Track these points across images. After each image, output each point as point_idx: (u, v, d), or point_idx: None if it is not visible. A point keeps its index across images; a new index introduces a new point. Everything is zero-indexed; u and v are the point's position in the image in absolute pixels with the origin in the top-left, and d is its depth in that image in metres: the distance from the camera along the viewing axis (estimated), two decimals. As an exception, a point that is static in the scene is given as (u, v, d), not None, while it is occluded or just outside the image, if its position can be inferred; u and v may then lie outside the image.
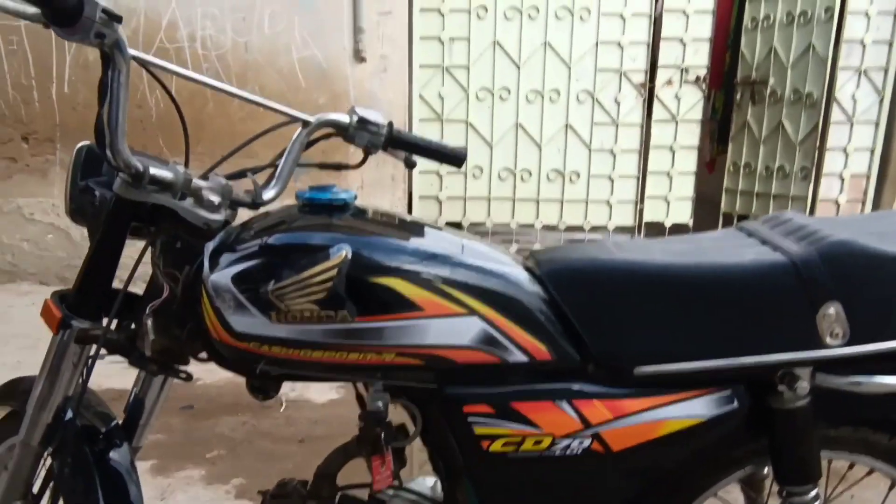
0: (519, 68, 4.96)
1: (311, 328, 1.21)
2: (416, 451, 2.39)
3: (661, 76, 5.01)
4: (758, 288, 1.25)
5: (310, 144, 1.41)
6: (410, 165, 1.58)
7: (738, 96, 5.25)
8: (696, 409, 1.29)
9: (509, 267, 1.32)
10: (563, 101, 5.00)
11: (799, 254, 1.25)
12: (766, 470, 1.55)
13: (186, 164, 1.33)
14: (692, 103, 5.03)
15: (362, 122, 1.37)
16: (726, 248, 1.36)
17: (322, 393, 3.39)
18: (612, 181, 5.10)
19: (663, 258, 1.31)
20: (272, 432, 3.03)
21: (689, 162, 5.12)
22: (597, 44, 4.93)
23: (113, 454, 1.45)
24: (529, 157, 5.06)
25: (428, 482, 1.59)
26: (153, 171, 1.24)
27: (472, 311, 1.24)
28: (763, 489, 1.58)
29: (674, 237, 1.54)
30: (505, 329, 1.25)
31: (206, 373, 3.57)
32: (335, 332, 1.21)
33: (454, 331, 1.24)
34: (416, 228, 1.35)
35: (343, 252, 1.21)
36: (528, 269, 1.35)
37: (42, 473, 1.51)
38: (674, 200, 5.17)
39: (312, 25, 4.69)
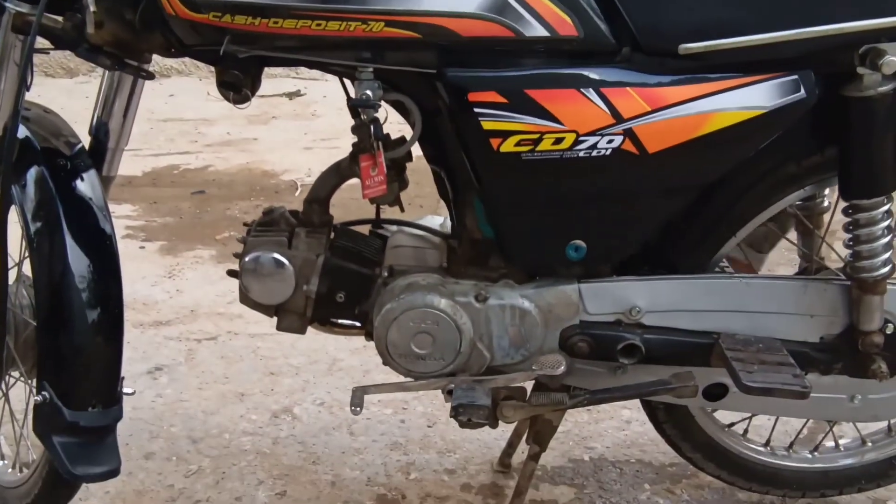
0: None
1: (280, -14, 0.99)
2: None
3: None
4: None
5: None
6: None
7: None
8: (753, 97, 1.06)
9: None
10: None
11: None
12: (825, 202, 1.35)
13: None
14: None
15: None
16: None
17: (339, 180, 3.24)
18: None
19: None
20: (287, 214, 2.90)
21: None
22: None
23: (79, 183, 1.27)
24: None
25: (437, 220, 1.41)
26: None
27: (479, -33, 1.00)
28: (822, 224, 1.37)
29: None
30: (521, -8, 1.01)
31: (220, 160, 3.46)
32: (309, -10, 0.99)
33: (458, -9, 1.00)
34: None
35: None
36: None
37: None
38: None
39: None
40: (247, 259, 1.27)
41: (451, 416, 1.21)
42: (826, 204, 1.34)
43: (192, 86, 4.25)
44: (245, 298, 1.30)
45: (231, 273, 1.32)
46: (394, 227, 1.38)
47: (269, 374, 2.01)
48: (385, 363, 1.28)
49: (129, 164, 3.22)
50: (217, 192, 3.10)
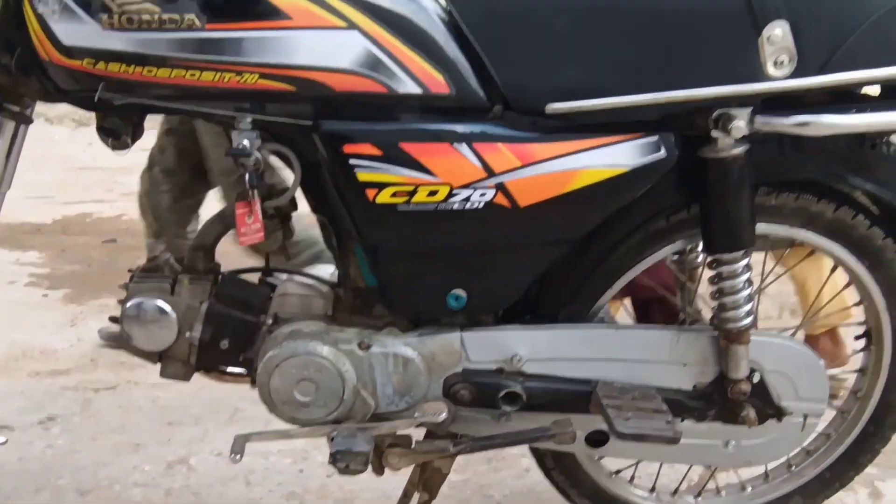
0: None
1: (153, 37, 1.01)
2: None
3: None
4: (690, 5, 1.06)
5: None
6: None
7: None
8: (616, 156, 1.12)
9: (399, -23, 1.11)
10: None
11: (737, -40, 1.06)
12: (699, 257, 1.41)
13: None
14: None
15: None
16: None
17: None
18: None
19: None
20: (199, 264, 2.87)
21: None
22: None
23: None
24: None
25: (328, 269, 1.43)
26: None
27: (351, 25, 1.03)
28: (696, 278, 1.43)
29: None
30: (393, 50, 1.05)
31: (135, 209, 3.39)
32: (182, 42, 1.01)
33: (330, 48, 1.04)
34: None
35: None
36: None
37: None
38: None
39: None
40: (128, 305, 1.26)
41: (329, 463, 1.21)
42: (700, 258, 1.40)
43: (112, 133, 4.20)
44: (127, 345, 1.28)
45: (113, 319, 1.31)
46: (283, 276, 1.39)
47: (168, 423, 1.97)
48: (270, 410, 1.28)
49: (40, 212, 3.17)
50: (129, 240, 3.05)
